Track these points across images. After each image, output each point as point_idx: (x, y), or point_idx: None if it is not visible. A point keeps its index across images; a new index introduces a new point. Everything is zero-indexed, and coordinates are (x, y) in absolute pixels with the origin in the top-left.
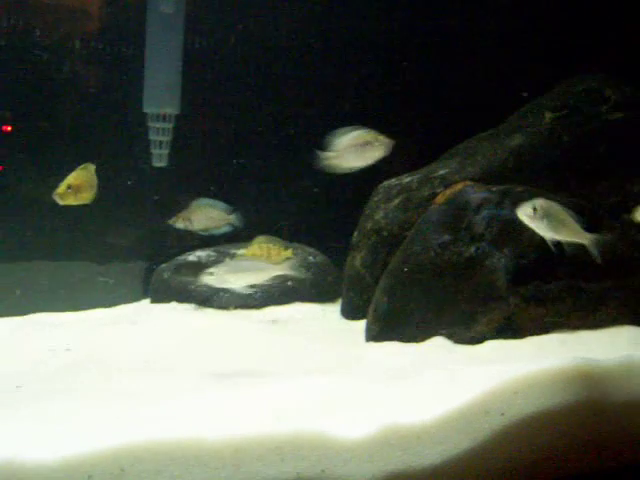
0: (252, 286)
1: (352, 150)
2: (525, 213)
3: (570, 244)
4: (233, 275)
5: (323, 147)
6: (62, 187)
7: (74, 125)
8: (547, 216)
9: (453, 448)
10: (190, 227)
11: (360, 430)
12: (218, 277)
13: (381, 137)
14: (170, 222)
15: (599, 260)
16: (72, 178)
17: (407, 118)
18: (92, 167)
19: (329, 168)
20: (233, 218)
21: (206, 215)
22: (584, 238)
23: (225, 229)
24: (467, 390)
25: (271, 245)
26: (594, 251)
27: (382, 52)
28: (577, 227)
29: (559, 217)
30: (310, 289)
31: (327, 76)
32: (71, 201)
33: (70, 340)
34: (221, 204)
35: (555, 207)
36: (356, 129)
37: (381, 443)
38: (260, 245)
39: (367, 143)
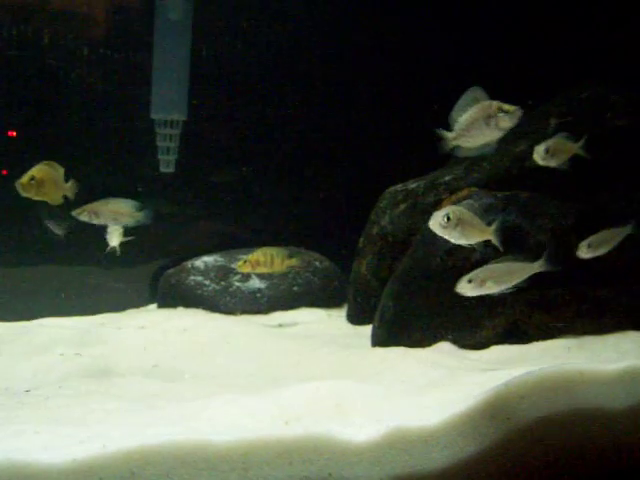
0: (258, 291)
1: (474, 127)
2: (438, 222)
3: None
4: None
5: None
6: (25, 178)
7: (82, 131)
8: (460, 224)
9: (459, 452)
10: (95, 221)
11: (367, 434)
12: None
13: (506, 106)
14: (74, 214)
15: (501, 248)
16: (36, 171)
17: (412, 125)
18: (57, 166)
19: (455, 151)
20: (141, 215)
21: (113, 210)
22: (488, 234)
23: (132, 224)
24: (473, 394)
25: (274, 253)
26: (496, 241)
27: (388, 59)
28: (482, 225)
29: (470, 221)
30: (316, 294)
31: (334, 83)
32: (32, 194)
33: (79, 344)
34: (130, 201)
35: (465, 212)
36: (476, 95)
37: (388, 447)
38: (264, 252)
39: (490, 116)
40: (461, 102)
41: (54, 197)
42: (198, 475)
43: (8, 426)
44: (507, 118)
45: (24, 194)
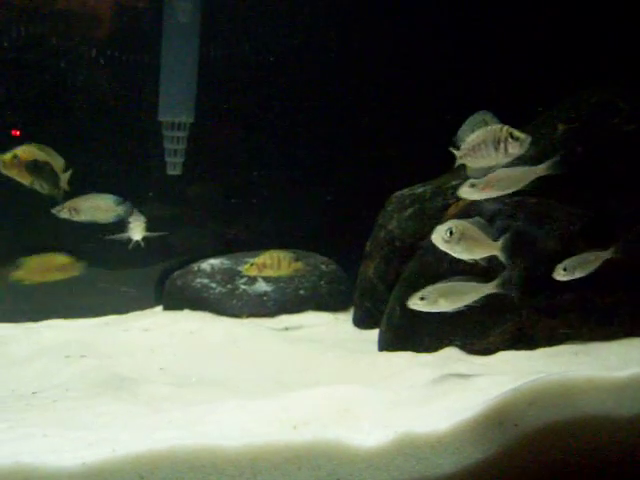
0: (265, 294)
1: (481, 149)
2: (440, 237)
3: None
4: None
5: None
6: (8, 155)
7: (88, 132)
8: (463, 238)
9: (467, 458)
10: (76, 217)
11: (375, 439)
12: None
13: (517, 132)
14: (54, 211)
15: (509, 263)
16: (21, 150)
17: (420, 129)
18: (53, 153)
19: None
20: (121, 209)
21: (93, 205)
22: (494, 249)
23: (113, 219)
24: (481, 400)
25: (281, 256)
26: (503, 257)
27: (394, 64)
28: (487, 240)
29: (473, 236)
30: (322, 298)
31: (342, 85)
32: (14, 174)
33: (84, 347)
34: (109, 195)
35: (469, 227)
36: (484, 118)
37: (396, 453)
38: (271, 255)
39: (500, 141)
40: (468, 122)
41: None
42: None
43: (16, 429)
44: (517, 145)
45: (4, 171)
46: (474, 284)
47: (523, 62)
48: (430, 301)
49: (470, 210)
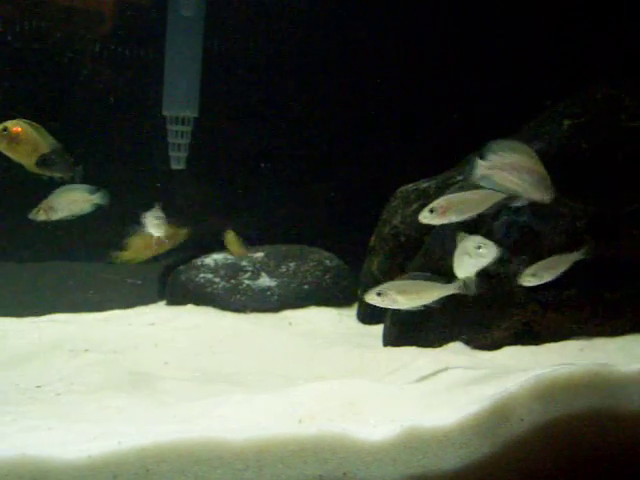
0: (268, 289)
1: (514, 171)
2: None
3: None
4: None
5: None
6: None
7: (92, 127)
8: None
9: (474, 452)
10: (54, 216)
11: (382, 433)
12: None
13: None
14: (30, 216)
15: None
16: (12, 124)
17: (425, 124)
18: (48, 137)
19: (480, 177)
20: (97, 197)
21: (68, 200)
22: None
23: (90, 210)
24: (487, 395)
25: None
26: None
27: (399, 59)
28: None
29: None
30: (326, 293)
31: (346, 79)
32: (3, 147)
33: (88, 341)
34: (81, 185)
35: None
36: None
37: (402, 447)
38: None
39: (540, 176)
40: (507, 142)
41: (27, 160)
42: (212, 473)
43: (21, 422)
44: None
45: None
46: (435, 283)
47: (528, 58)
48: (386, 297)
49: None
